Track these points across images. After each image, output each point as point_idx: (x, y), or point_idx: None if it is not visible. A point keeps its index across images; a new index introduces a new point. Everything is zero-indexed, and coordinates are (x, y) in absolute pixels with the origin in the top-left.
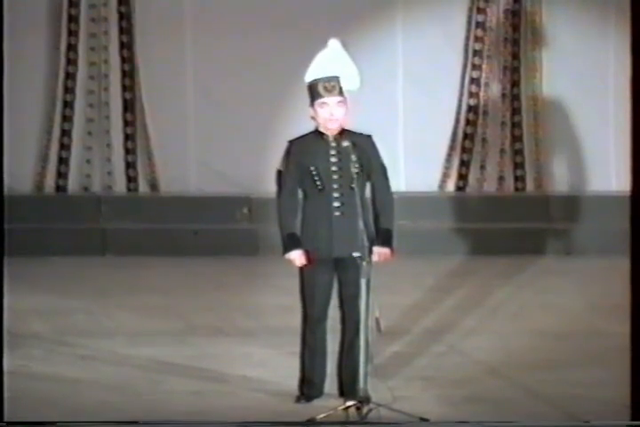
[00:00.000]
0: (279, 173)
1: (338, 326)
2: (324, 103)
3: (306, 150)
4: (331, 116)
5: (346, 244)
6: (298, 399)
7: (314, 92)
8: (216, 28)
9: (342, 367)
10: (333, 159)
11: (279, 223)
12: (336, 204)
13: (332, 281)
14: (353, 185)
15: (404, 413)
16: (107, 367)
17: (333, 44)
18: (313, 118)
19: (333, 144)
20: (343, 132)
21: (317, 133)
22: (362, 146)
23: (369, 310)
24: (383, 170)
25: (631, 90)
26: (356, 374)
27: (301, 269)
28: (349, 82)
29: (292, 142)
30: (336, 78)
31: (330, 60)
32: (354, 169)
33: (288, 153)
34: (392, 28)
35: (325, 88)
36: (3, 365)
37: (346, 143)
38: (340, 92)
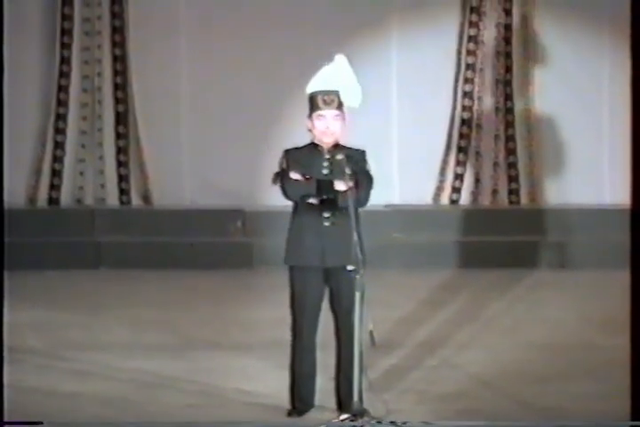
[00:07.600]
0: (278, 174)
1: (331, 339)
2: (320, 116)
3: (300, 160)
4: (326, 129)
5: (337, 254)
6: (289, 414)
7: (312, 103)
8: (210, 42)
9: (339, 381)
10: (325, 171)
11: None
12: (326, 214)
13: (322, 293)
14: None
15: (398, 426)
16: (102, 381)
17: (340, 59)
18: (310, 131)
19: (327, 156)
20: (337, 146)
21: (312, 145)
22: (355, 160)
23: (362, 323)
24: (368, 175)
25: (631, 100)
26: (352, 388)
27: (292, 280)
28: (351, 98)
29: (287, 151)
30: (335, 92)
31: (333, 74)
32: (347, 182)
33: (285, 159)
34: (386, 42)
35: (324, 101)
36: (3, 365)
37: (340, 156)
38: (339, 107)
